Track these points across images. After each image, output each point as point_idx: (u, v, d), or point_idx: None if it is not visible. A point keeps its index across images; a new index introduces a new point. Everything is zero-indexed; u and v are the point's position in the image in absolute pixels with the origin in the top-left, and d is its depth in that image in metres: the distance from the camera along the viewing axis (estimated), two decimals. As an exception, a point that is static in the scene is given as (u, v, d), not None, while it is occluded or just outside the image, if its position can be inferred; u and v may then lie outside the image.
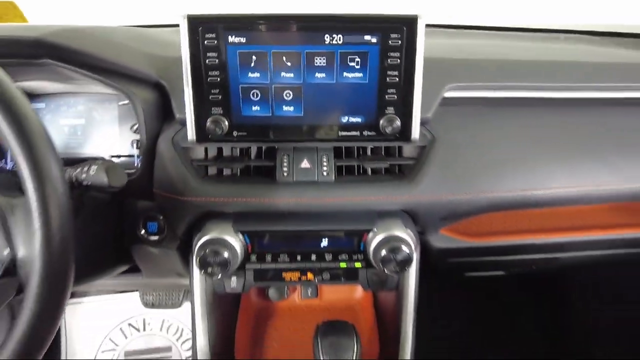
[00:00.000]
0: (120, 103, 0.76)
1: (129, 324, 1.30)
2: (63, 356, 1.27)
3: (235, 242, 0.59)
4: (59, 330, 1.29)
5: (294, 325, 0.79)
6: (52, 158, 0.40)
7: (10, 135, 0.39)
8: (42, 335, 0.43)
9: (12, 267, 0.42)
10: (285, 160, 0.62)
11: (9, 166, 0.77)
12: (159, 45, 0.71)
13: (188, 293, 1.31)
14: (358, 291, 0.84)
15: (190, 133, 0.61)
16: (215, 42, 0.58)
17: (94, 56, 0.61)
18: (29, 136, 0.40)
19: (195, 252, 0.59)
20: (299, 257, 0.63)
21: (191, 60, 0.58)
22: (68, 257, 0.42)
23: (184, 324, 1.31)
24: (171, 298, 1.26)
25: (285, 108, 0.62)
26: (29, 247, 0.41)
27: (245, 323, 0.77)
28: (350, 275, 0.67)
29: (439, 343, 0.96)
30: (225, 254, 0.57)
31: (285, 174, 0.62)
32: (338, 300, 0.82)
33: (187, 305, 1.30)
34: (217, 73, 0.59)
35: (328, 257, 0.63)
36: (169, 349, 1.29)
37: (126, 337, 1.29)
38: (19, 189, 0.45)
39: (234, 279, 0.67)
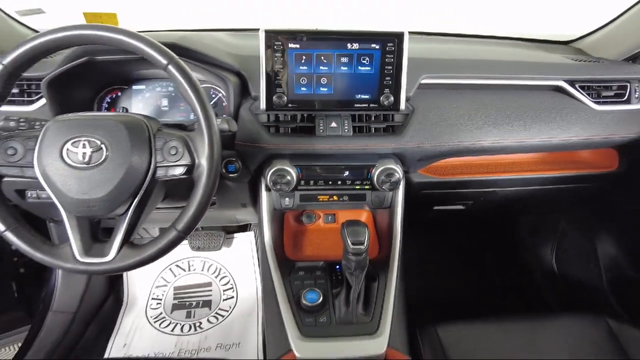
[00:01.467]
0: (202, 86, 1.11)
1: (177, 265, 1.65)
2: (125, 291, 1.60)
3: (293, 171, 0.95)
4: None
5: (320, 240, 1.14)
6: (211, 111, 0.75)
7: (193, 98, 0.74)
8: (200, 216, 0.77)
9: (192, 169, 0.77)
10: (320, 123, 0.99)
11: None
12: (235, 47, 1.06)
13: (227, 239, 1.67)
14: (362, 218, 1.20)
15: (262, 104, 0.97)
16: (281, 46, 0.94)
17: (203, 54, 0.96)
18: (203, 99, 0.74)
19: (268, 177, 0.95)
20: (330, 182, 1.00)
21: (266, 57, 0.94)
22: (219, 165, 0.76)
23: (221, 265, 1.66)
24: (213, 242, 1.61)
25: (321, 89, 0.98)
26: (201, 157, 0.76)
27: (287, 237, 1.12)
28: (361, 197, 1.05)
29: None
30: (288, 177, 0.94)
31: (321, 130, 0.98)
32: (349, 224, 1.19)
33: (225, 248, 1.65)
34: (280, 66, 0.95)
35: (348, 182, 1.00)
36: (209, 284, 1.63)
37: (175, 276, 1.64)
38: (189, 130, 0.81)
39: (287, 198, 1.03)
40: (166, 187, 0.86)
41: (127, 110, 1.11)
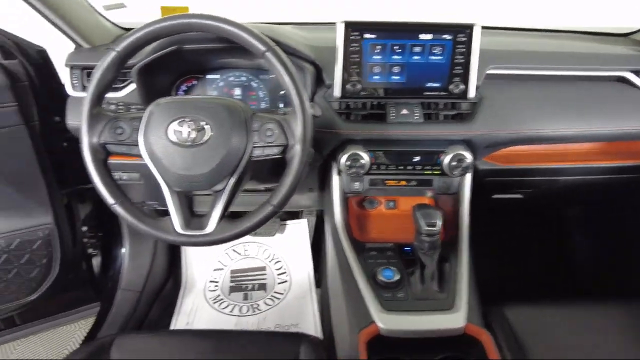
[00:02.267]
0: (270, 76, 1.17)
1: (233, 250, 1.72)
2: (184, 273, 1.68)
3: (366, 155, 1.00)
4: (180, 253, 1.71)
5: (383, 224, 1.19)
6: (306, 96, 0.80)
7: (290, 83, 0.79)
8: (292, 193, 0.82)
9: (285, 150, 0.82)
10: (392, 110, 1.03)
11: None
12: (308, 39, 1.12)
13: (280, 226, 1.74)
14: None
15: (337, 91, 1.02)
16: (358, 37, 0.99)
17: (287, 44, 1.02)
18: (298, 84, 0.80)
19: (342, 161, 1.00)
20: (401, 167, 1.05)
21: (343, 48, 0.99)
22: (311, 147, 0.82)
23: (274, 250, 1.73)
24: (268, 228, 1.67)
25: (393, 77, 1.03)
26: (295, 139, 0.81)
27: (352, 220, 1.17)
28: (428, 182, 1.09)
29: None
30: (362, 161, 0.99)
31: (392, 117, 1.03)
32: (409, 210, 1.22)
33: (278, 235, 1.72)
34: (356, 56, 1.00)
35: (418, 167, 1.05)
36: (263, 268, 1.70)
37: (231, 259, 1.71)
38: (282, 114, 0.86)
39: (357, 183, 1.08)
40: (254, 167, 0.92)
41: None
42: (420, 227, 0.96)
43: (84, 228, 1.51)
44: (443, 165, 1.02)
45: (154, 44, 1.03)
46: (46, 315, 1.58)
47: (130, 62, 1.04)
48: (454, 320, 0.89)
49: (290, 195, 0.81)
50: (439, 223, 0.95)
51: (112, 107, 0.95)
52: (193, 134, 0.79)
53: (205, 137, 0.79)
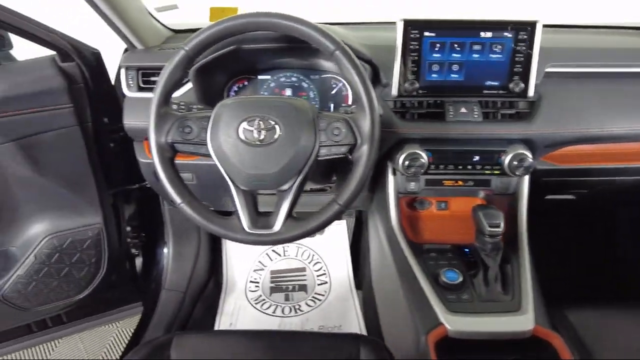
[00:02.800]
0: (323, 76, 1.17)
1: (273, 250, 1.72)
2: (225, 274, 1.69)
3: (424, 155, 0.99)
4: (221, 252, 1.71)
5: (436, 225, 1.17)
6: (374, 94, 0.80)
7: (358, 81, 0.79)
8: (359, 192, 0.81)
9: (353, 148, 0.82)
10: (450, 108, 1.02)
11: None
12: (360, 38, 1.11)
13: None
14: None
15: (394, 90, 1.02)
16: (417, 35, 0.98)
17: (347, 44, 1.01)
18: (367, 82, 0.79)
19: (400, 161, 0.99)
20: (460, 167, 1.03)
21: (402, 46, 0.98)
22: (379, 145, 0.81)
23: (314, 251, 1.72)
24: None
25: (452, 75, 1.02)
26: (363, 137, 0.80)
27: (404, 222, 1.16)
28: (486, 183, 1.07)
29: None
30: (422, 160, 0.98)
31: (451, 115, 1.02)
32: (461, 211, 1.21)
33: (317, 236, 1.72)
34: (415, 54, 0.99)
35: (478, 167, 1.03)
36: (303, 269, 1.70)
37: (271, 260, 1.71)
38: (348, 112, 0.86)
39: (412, 183, 1.07)
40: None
41: None
42: (482, 228, 0.95)
43: (128, 228, 1.53)
44: (504, 165, 1.01)
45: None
46: (88, 314, 1.60)
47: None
48: (523, 322, 0.87)
49: (357, 195, 0.81)
50: (502, 224, 0.94)
51: (174, 106, 0.96)
52: (263, 133, 0.79)
53: (275, 136, 0.79)
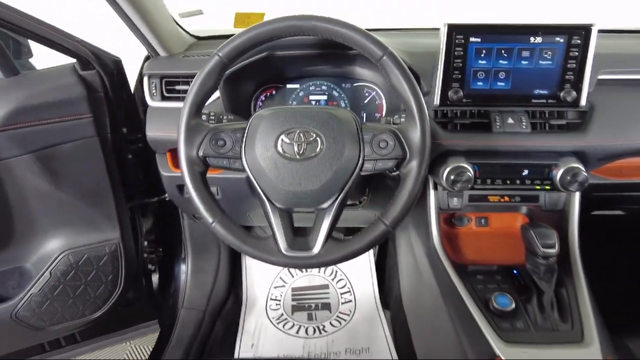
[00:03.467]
0: (355, 84, 1.11)
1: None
2: (244, 290, 1.61)
3: (471, 169, 0.92)
4: (241, 268, 1.64)
5: (478, 243, 1.10)
6: (424, 104, 0.73)
7: (407, 90, 0.72)
8: (407, 211, 0.74)
9: (401, 162, 0.75)
10: (497, 118, 0.95)
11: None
12: (397, 44, 1.05)
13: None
14: (518, 221, 1.14)
15: (437, 99, 0.95)
16: (462, 40, 0.91)
17: None
18: (417, 91, 0.72)
19: (445, 175, 0.91)
20: (508, 182, 0.96)
21: (446, 52, 0.92)
22: (429, 159, 0.74)
23: (337, 268, 1.64)
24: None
25: (498, 83, 0.95)
26: (413, 150, 0.73)
27: (443, 239, 1.09)
28: (534, 198, 0.99)
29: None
30: (469, 174, 0.90)
31: (498, 126, 0.94)
32: (503, 228, 1.13)
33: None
34: (459, 61, 0.93)
35: (527, 182, 0.95)
36: (326, 286, 1.62)
37: (292, 277, 1.64)
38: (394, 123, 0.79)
39: (455, 198, 1.00)
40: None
41: None
42: (534, 248, 0.87)
43: (145, 243, 1.47)
44: (555, 180, 0.93)
45: None
46: (103, 332, 1.54)
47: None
48: (590, 355, 0.78)
49: (405, 214, 0.74)
50: (557, 244, 0.86)
51: (203, 117, 0.90)
52: (304, 147, 0.72)
53: (317, 150, 0.73)
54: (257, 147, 0.74)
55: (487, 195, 1.00)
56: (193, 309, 1.46)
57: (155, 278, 1.57)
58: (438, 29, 0.94)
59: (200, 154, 0.75)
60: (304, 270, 1.65)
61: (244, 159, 0.75)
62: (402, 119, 0.87)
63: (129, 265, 1.30)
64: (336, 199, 0.75)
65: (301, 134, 0.73)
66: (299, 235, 0.77)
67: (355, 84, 1.11)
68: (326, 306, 1.56)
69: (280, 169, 0.73)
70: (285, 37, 0.76)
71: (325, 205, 0.75)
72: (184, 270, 1.52)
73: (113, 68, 1.16)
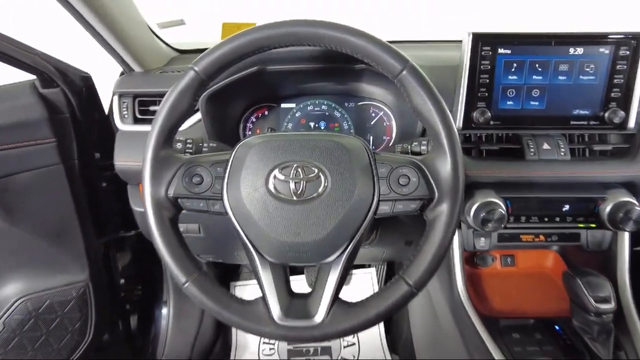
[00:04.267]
0: (360, 103, 0.96)
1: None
2: (234, 335, 1.44)
3: (503, 204, 0.77)
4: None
5: (503, 287, 0.94)
6: (455, 129, 0.58)
7: (434, 111, 0.57)
8: (437, 267, 0.58)
9: (428, 203, 0.59)
10: (530, 143, 0.80)
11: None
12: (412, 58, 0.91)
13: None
14: (549, 260, 0.99)
15: (459, 121, 0.80)
16: (490, 52, 0.77)
17: None
18: (446, 113, 0.57)
19: (472, 212, 0.76)
20: (546, 219, 0.80)
21: (470, 66, 0.77)
22: (463, 199, 0.58)
23: (339, 306, 1.47)
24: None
25: (532, 102, 0.80)
26: (443, 188, 0.57)
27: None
28: (574, 237, 0.84)
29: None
30: (501, 211, 0.75)
31: (532, 154, 0.80)
32: (531, 267, 0.98)
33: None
34: (486, 76, 0.78)
35: (569, 219, 0.80)
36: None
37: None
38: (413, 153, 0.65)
39: (482, 238, 0.84)
40: None
41: (273, 131, 0.97)
42: (585, 303, 0.72)
43: (122, 281, 1.30)
44: (603, 217, 0.78)
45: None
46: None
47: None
48: None
49: (434, 272, 0.58)
50: (613, 298, 0.70)
51: (179, 145, 0.74)
52: (303, 185, 0.57)
53: (320, 189, 0.57)
54: (242, 186, 0.58)
55: (519, 234, 0.85)
56: None
57: (134, 320, 1.39)
58: (458, 42, 0.80)
59: (171, 194, 0.59)
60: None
61: (225, 201, 0.59)
62: (423, 147, 0.72)
63: (101, 309, 1.13)
64: (344, 250, 0.59)
65: (299, 169, 0.57)
66: (296, 298, 0.61)
67: (359, 103, 0.96)
68: (326, 350, 1.38)
69: (273, 214, 0.57)
70: (279, 47, 0.60)
71: (330, 259, 0.59)
72: (165, 314, 1.34)
73: (81, 85, 1.01)
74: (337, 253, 0.59)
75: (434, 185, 0.58)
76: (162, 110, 0.59)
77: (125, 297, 1.34)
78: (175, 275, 0.59)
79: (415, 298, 1.03)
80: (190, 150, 0.73)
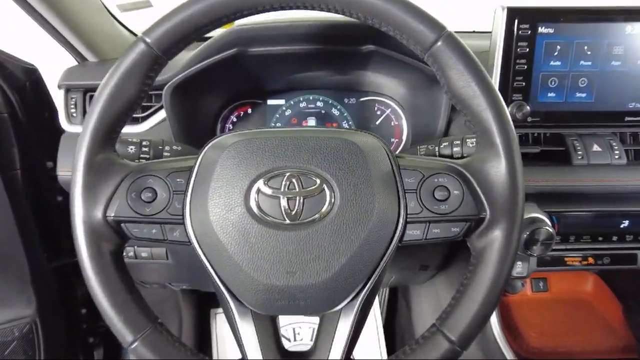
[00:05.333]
0: (363, 99, 0.80)
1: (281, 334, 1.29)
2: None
3: (548, 221, 0.61)
4: (210, 339, 1.28)
5: (537, 317, 0.79)
6: (510, 121, 0.42)
7: (478, 91, 0.41)
8: (485, 322, 0.43)
9: (476, 226, 0.43)
10: (577, 144, 0.65)
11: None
12: None
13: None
14: (588, 283, 0.84)
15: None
16: (528, 32, 0.62)
17: None
18: (495, 92, 0.41)
19: None
20: (600, 239, 0.65)
21: (504, 49, 0.62)
22: (523, 220, 0.42)
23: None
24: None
25: (577, 94, 0.65)
26: (495, 207, 0.41)
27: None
28: (629, 259, 0.68)
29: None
30: (549, 230, 0.59)
31: (579, 157, 0.64)
32: (568, 293, 0.83)
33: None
34: (523, 61, 0.63)
35: (628, 237, 0.65)
36: (321, 359, 1.27)
37: (278, 347, 1.28)
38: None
39: (519, 263, 0.68)
40: None
41: None
42: None
43: (84, 310, 1.11)
44: None
45: (204, 46, 0.65)
46: None
47: (160, 78, 0.69)
48: None
49: (483, 324, 0.42)
50: None
51: (131, 149, 0.56)
52: (299, 203, 0.40)
53: (324, 209, 0.41)
54: (212, 204, 0.41)
55: (564, 257, 0.69)
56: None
57: (99, 354, 1.20)
58: (486, 33, 0.65)
59: (111, 216, 0.42)
60: (292, 338, 1.30)
61: (188, 226, 0.42)
62: (457, 148, 0.55)
63: (53, 349, 0.95)
64: (360, 293, 0.42)
65: (294, 180, 0.41)
66: (290, 355, 0.45)
67: (362, 99, 0.80)
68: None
69: (256, 246, 0.40)
70: (267, 9, 0.44)
71: (339, 306, 0.43)
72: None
73: (24, 80, 0.84)
74: (349, 298, 0.42)
75: (483, 200, 0.42)
76: (99, 98, 0.42)
77: (87, 329, 1.15)
78: (117, 333, 0.41)
79: (421, 325, 0.85)
80: (147, 156, 0.56)
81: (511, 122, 0.42)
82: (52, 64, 0.85)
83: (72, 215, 0.42)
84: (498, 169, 0.41)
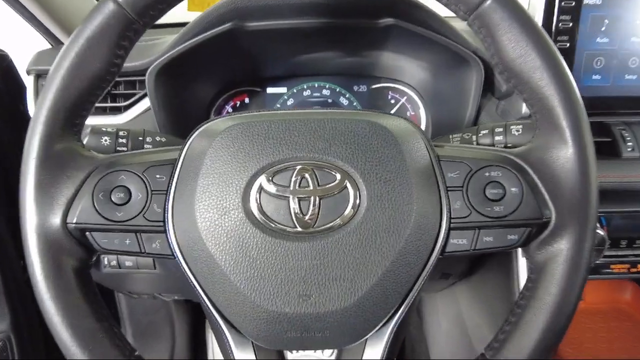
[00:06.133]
0: (374, 86, 0.71)
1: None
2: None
3: (598, 223, 0.53)
4: (206, 355, 1.19)
5: (571, 330, 0.71)
6: (579, 95, 0.33)
7: (540, 60, 0.32)
8: (556, 343, 0.35)
9: (537, 232, 0.34)
10: (626, 135, 0.57)
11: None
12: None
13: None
14: (626, 292, 0.76)
15: (524, 105, 0.56)
16: (572, 3, 0.53)
17: (438, 19, 0.55)
18: (568, 74, 0.33)
19: None
20: (655, 242, 0.56)
21: (543, 23, 0.53)
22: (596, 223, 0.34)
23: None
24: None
25: (627, 77, 0.57)
26: (565, 209, 0.33)
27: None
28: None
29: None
30: (600, 234, 0.51)
31: (629, 149, 0.56)
32: (605, 303, 0.75)
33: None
34: (565, 38, 0.54)
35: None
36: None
37: None
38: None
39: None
40: None
41: None
42: None
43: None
44: None
45: (194, 20, 0.56)
46: None
47: (144, 61, 0.59)
48: None
49: (548, 357, 0.34)
50: None
51: (105, 140, 0.46)
52: (314, 205, 0.31)
53: (346, 211, 0.32)
54: (200, 207, 0.32)
55: (610, 264, 0.60)
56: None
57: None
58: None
59: (72, 223, 0.33)
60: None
61: (171, 234, 0.33)
62: (500, 136, 0.47)
63: None
64: (393, 318, 0.34)
65: (307, 175, 0.32)
66: None
67: (374, 86, 0.71)
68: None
69: (258, 260, 0.32)
70: None
71: (365, 337, 0.34)
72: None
73: None
74: (378, 326, 0.33)
75: (547, 198, 0.33)
76: (57, 71, 0.33)
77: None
78: None
79: (435, 337, 0.78)
80: (125, 149, 0.47)
81: (581, 101, 0.33)
82: (26, 49, 0.76)
83: (22, 222, 0.33)
84: (565, 158, 0.32)
